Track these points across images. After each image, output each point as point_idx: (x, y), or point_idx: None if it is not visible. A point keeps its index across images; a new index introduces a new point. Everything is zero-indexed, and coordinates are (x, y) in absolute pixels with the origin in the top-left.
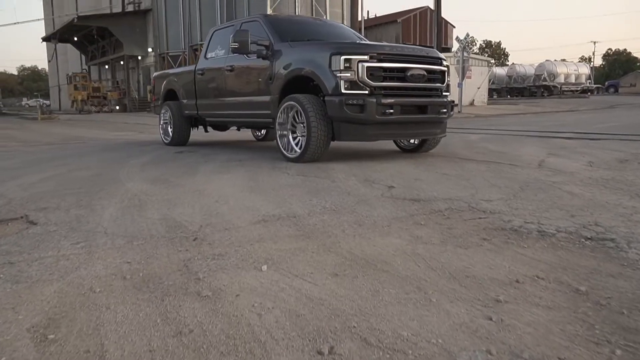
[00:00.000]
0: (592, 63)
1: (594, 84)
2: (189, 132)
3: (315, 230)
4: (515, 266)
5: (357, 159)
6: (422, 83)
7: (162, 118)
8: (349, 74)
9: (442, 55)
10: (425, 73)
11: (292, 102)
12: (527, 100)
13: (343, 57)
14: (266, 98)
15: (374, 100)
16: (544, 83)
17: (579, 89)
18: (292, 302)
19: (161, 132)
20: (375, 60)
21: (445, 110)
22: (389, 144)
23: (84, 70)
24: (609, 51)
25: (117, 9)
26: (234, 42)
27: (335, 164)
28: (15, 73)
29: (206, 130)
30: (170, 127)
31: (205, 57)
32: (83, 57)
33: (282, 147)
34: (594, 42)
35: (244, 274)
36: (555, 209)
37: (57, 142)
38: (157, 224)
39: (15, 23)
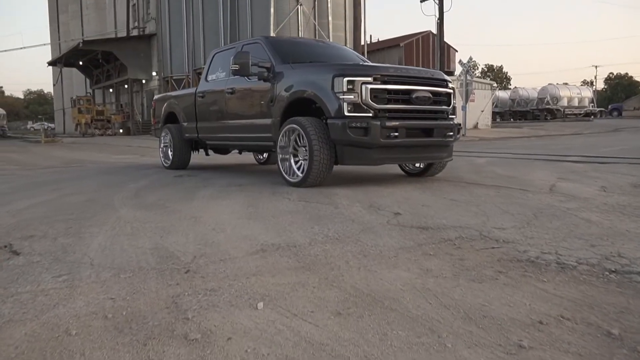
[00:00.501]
0: (594, 87)
1: (597, 107)
2: (190, 156)
3: (317, 262)
4: (537, 304)
5: (361, 183)
6: (428, 105)
7: (162, 141)
8: (352, 96)
9: (447, 77)
10: (431, 95)
11: (293, 125)
12: (531, 124)
13: (346, 79)
14: (267, 121)
15: (378, 123)
16: (547, 106)
17: (582, 112)
18: (289, 348)
19: (161, 155)
20: (379, 82)
21: (451, 133)
22: (394, 168)
23: (88, 94)
24: (611, 75)
25: (122, 33)
26: (235, 64)
27: (338, 188)
28: (22, 97)
29: (207, 154)
30: (171, 151)
31: (205, 79)
32: (88, 81)
33: (284, 171)
34: (596, 66)
35: (237, 313)
36: (573, 238)
37: (57, 166)
38: (147, 254)
39: (21, 48)
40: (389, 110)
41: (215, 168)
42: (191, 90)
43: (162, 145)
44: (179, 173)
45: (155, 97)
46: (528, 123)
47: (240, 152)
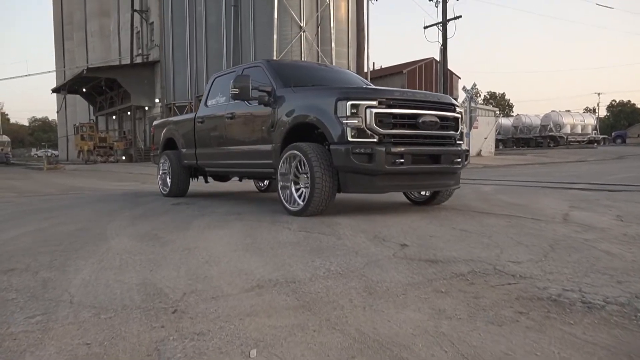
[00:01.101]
0: (597, 114)
1: (600, 134)
2: (188, 183)
3: (318, 300)
4: (567, 352)
5: (364, 212)
6: (435, 130)
7: (160, 168)
8: (356, 121)
9: (455, 101)
10: (438, 120)
11: (294, 151)
12: (534, 151)
13: (350, 103)
14: (267, 147)
15: (383, 149)
16: (550, 133)
17: (585, 139)
18: None
19: (159, 182)
20: (384, 106)
21: (459, 159)
22: (399, 196)
23: (92, 121)
24: (613, 102)
25: (127, 61)
26: (234, 88)
27: (341, 217)
28: (27, 124)
29: (206, 181)
30: (169, 178)
31: (205, 104)
32: (91, 108)
33: (284, 199)
34: (598, 94)
35: None
36: (595, 272)
37: (55, 193)
38: (133, 290)
39: (26, 75)
40: (395, 136)
41: (215, 196)
42: (190, 115)
43: (160, 172)
44: (177, 201)
45: (155, 122)
46: (531, 150)
47: (240, 180)
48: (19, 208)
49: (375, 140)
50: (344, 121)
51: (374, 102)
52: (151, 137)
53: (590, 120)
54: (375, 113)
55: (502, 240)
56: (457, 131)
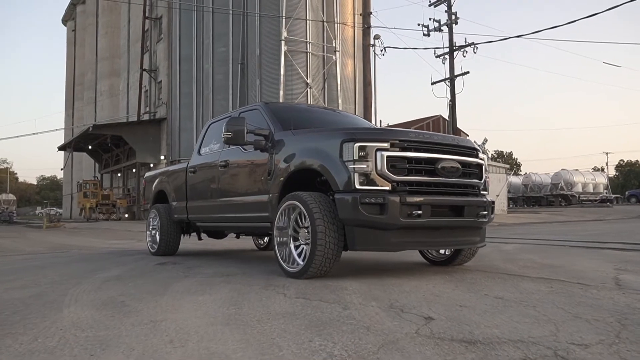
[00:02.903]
0: (606, 173)
1: (612, 193)
2: (179, 240)
3: None
4: None
5: (375, 273)
6: (456, 178)
7: (150, 224)
8: (364, 165)
9: (476, 145)
10: (460, 166)
11: (294, 202)
12: (547, 209)
13: (357, 145)
14: (264, 197)
15: (398, 198)
16: (561, 192)
17: (597, 198)
18: None
19: (148, 239)
20: (398, 149)
21: (485, 212)
22: (413, 255)
23: (95, 177)
24: (621, 162)
25: (134, 118)
26: (227, 132)
27: (347, 280)
28: (35, 183)
29: (199, 238)
30: (159, 234)
31: (199, 152)
32: (97, 165)
33: (281, 258)
34: (607, 153)
35: None
36: None
37: (39, 252)
38: None
39: (34, 134)
40: (410, 183)
41: (208, 254)
42: (183, 165)
43: (150, 228)
44: (164, 260)
45: (146, 174)
46: (544, 209)
47: (237, 237)
48: None
49: (387, 188)
50: (350, 166)
51: (386, 144)
52: (142, 190)
53: (602, 179)
54: (387, 157)
55: (553, 312)
56: (480, 179)
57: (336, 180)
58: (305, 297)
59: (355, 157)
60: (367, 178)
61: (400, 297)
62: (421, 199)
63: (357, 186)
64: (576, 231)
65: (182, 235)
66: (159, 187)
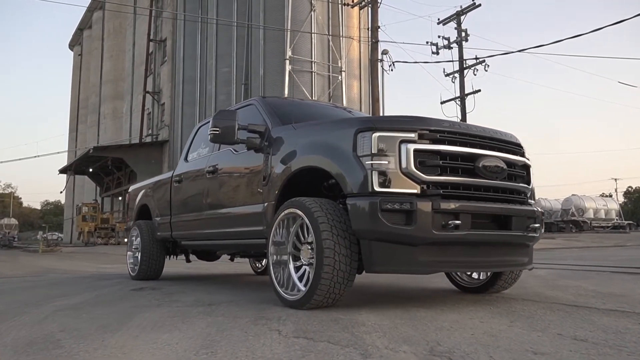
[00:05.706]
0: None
1: (624, 220)
2: (163, 262)
3: None
4: None
5: (397, 302)
6: (501, 181)
7: (132, 243)
8: (386, 162)
9: (521, 141)
10: (505, 165)
11: (294, 210)
12: (560, 235)
13: (376, 135)
14: (257, 208)
15: (429, 204)
16: (572, 218)
17: (610, 224)
18: None
19: (129, 261)
20: (428, 141)
21: (536, 225)
22: (434, 277)
23: (95, 201)
24: (630, 189)
25: (136, 141)
26: (215, 127)
27: (363, 312)
28: (39, 207)
29: (188, 260)
30: (140, 255)
31: (185, 159)
32: (98, 188)
33: (278, 281)
34: (615, 179)
35: None
36: None
37: (18, 275)
38: None
39: (35, 156)
40: (444, 185)
41: (197, 279)
42: (168, 174)
43: (132, 247)
44: (142, 285)
45: (131, 187)
46: (556, 235)
47: (232, 259)
48: None
49: (415, 191)
50: (367, 162)
51: (413, 135)
52: (126, 205)
53: (614, 205)
54: (415, 150)
55: None
56: (528, 184)
57: (348, 180)
58: (308, 336)
59: (374, 151)
60: (388, 178)
61: (441, 338)
62: (459, 204)
63: (376, 188)
64: (605, 256)
65: (168, 257)
66: (143, 201)
